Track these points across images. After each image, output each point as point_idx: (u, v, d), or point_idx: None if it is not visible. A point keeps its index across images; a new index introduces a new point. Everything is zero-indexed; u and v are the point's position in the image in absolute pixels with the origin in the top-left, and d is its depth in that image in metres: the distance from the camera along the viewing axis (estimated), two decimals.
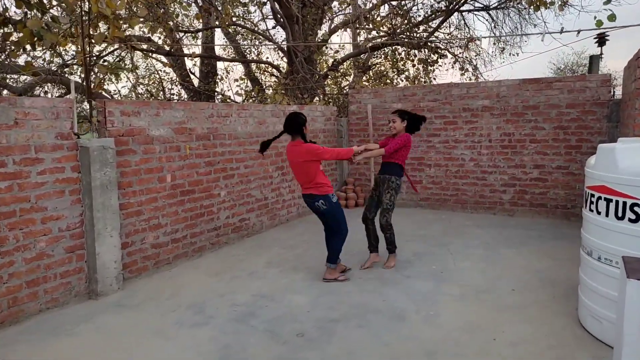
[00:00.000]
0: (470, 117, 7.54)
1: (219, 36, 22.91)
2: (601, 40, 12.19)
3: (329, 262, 4.66)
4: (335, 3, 12.54)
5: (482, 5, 12.11)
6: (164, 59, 14.41)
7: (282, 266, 5.18)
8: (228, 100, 12.72)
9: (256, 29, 13.91)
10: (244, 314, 3.93)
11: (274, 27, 13.28)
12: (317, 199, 4.46)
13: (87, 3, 4.57)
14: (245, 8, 12.96)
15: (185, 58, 13.77)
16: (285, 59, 13.33)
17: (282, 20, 11.30)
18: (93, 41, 4.99)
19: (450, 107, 7.68)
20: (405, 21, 11.94)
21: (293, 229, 6.90)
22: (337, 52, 11.50)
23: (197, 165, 5.47)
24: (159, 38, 12.96)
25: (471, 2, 12.12)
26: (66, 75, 10.28)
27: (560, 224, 6.83)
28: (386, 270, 4.90)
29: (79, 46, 5.13)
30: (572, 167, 6.91)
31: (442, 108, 7.73)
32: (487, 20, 13.67)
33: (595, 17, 5.53)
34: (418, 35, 12.51)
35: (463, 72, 12.18)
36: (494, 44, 13.32)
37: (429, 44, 12.59)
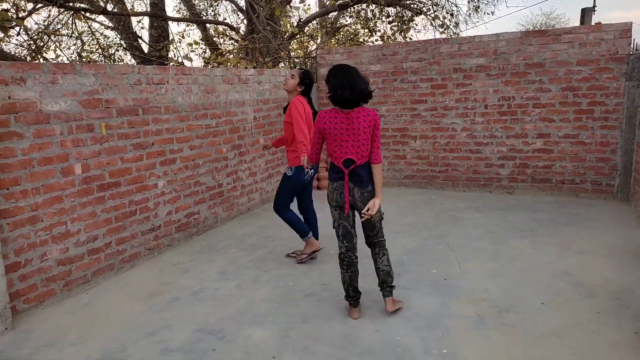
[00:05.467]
0: (463, 79, 6.36)
1: None
2: None
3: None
4: None
5: None
6: (107, 21, 12.65)
7: (240, 277, 3.99)
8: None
9: None
10: None
11: None
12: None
13: None
14: None
15: (132, 20, 12.06)
16: (245, 21, 11.82)
17: None
18: None
19: (439, 68, 6.48)
20: None
21: (255, 220, 5.68)
22: (302, 1, 10.02)
23: (121, 149, 4.13)
24: None
25: None
26: None
27: (568, 202, 5.85)
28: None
29: None
30: (582, 135, 5.87)
31: (429, 69, 6.52)
32: None
33: None
34: None
35: (443, 29, 10.95)
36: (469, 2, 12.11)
37: (402, 1, 11.33)
